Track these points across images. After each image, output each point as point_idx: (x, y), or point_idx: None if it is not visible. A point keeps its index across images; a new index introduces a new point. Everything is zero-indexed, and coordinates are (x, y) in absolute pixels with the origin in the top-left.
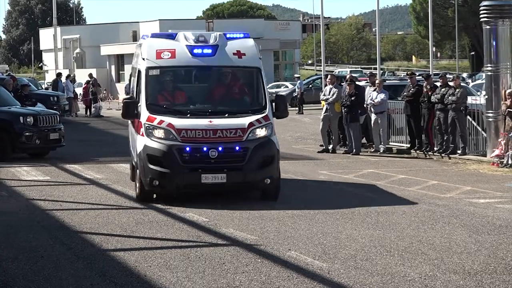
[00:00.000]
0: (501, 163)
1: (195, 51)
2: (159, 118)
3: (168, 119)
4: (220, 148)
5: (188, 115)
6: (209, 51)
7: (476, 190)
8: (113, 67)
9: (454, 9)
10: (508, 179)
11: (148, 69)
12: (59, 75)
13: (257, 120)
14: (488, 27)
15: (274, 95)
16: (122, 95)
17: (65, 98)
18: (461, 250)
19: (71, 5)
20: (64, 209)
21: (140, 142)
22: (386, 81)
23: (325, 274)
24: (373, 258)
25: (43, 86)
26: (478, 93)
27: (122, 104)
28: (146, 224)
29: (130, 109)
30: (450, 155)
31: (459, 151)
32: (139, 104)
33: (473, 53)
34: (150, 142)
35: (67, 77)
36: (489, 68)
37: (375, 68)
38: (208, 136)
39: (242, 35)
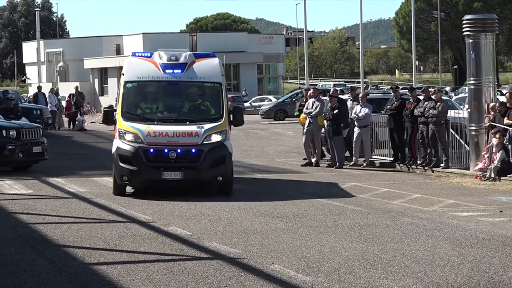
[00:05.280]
0: (484, 176)
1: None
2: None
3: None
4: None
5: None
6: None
7: (459, 203)
8: (96, 80)
9: (437, 23)
10: (491, 192)
11: (126, 83)
12: (39, 88)
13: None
14: (470, 40)
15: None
16: None
17: (48, 111)
18: (444, 263)
19: (54, 19)
20: (47, 222)
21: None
22: (369, 95)
23: (308, 287)
24: (356, 271)
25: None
26: (461, 106)
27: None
28: (129, 237)
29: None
30: (433, 169)
31: (442, 165)
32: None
33: (456, 66)
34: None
35: (50, 90)
36: (472, 82)
37: (359, 82)
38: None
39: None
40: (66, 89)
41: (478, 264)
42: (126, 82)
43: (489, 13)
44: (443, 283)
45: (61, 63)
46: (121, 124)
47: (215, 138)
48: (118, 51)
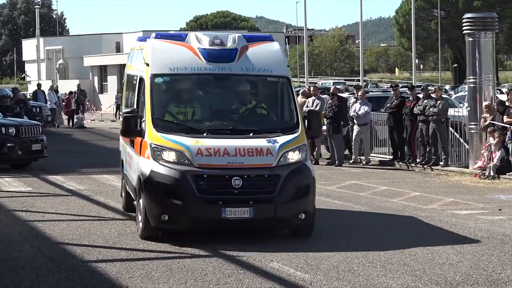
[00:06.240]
0: (483, 174)
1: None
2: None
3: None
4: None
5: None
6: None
7: (458, 201)
8: (96, 78)
9: (437, 21)
10: (490, 190)
11: (154, 76)
12: (39, 86)
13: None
14: (470, 39)
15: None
16: (105, 106)
17: (48, 109)
18: (443, 261)
19: (54, 16)
20: (46, 220)
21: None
22: (369, 93)
23: (307, 285)
24: (355, 269)
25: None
26: (461, 105)
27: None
28: (128, 235)
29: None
30: (433, 167)
31: (441, 163)
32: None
33: (455, 65)
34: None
35: (50, 88)
36: (472, 80)
37: (358, 80)
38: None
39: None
40: (66, 86)
41: (476, 262)
42: (153, 76)
43: (489, 12)
44: (441, 281)
45: (60, 61)
46: (155, 136)
47: (294, 156)
48: (118, 48)
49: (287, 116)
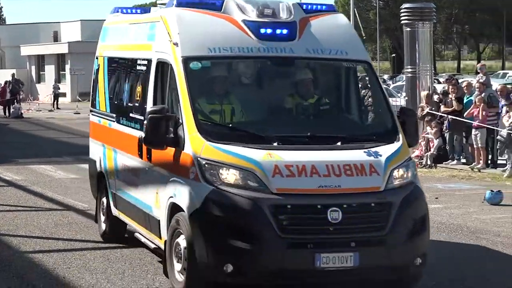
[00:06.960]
0: (421, 163)
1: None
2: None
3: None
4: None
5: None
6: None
7: None
8: (33, 67)
9: (375, 11)
10: (427, 179)
11: (187, 60)
12: None
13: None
14: (408, 29)
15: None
16: (42, 96)
17: None
18: None
19: None
20: None
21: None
22: None
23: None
24: None
25: None
26: (399, 94)
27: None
28: (65, 225)
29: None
30: None
31: None
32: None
33: (394, 55)
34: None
35: None
36: (410, 70)
37: None
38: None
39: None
40: (2, 76)
41: None
42: (187, 60)
43: (426, 2)
44: None
45: None
46: (205, 147)
47: (402, 174)
48: (56, 38)
49: (380, 117)
